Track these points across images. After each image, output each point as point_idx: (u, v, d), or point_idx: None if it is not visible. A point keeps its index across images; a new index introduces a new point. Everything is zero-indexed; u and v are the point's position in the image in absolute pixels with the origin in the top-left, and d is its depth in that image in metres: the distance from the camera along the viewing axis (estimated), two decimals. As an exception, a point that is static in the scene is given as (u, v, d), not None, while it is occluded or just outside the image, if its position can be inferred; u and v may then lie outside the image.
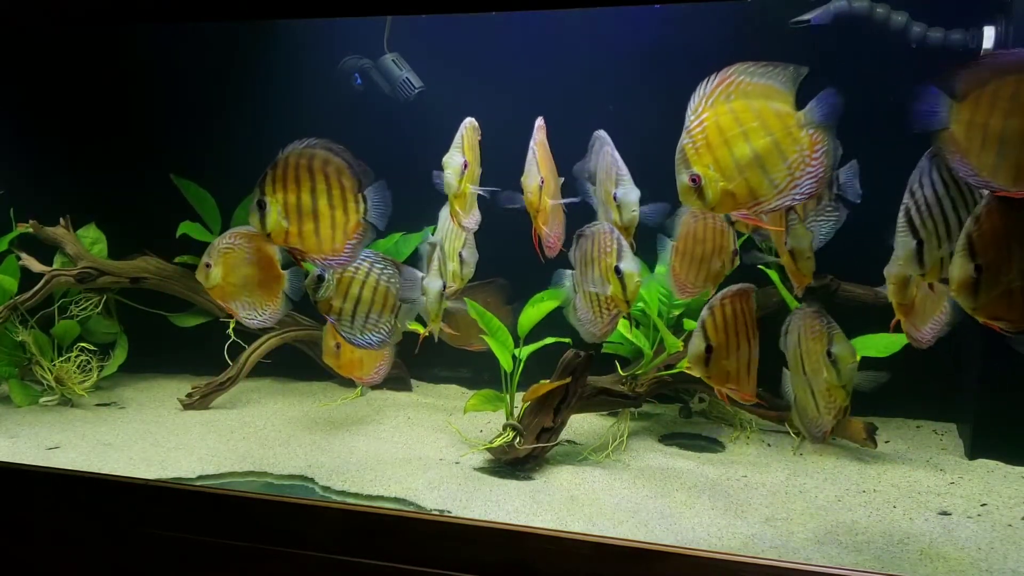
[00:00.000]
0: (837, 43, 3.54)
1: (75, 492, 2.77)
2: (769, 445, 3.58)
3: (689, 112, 2.18)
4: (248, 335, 4.23)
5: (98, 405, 4.22)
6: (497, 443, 3.32)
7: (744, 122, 2.14)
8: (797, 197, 2.17)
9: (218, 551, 2.56)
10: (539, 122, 2.89)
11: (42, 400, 4.20)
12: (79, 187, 4.51)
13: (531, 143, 2.79)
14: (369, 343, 3.02)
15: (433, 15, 4.01)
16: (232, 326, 4.21)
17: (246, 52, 4.23)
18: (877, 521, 2.81)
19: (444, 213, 3.42)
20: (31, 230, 4.26)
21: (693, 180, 2.14)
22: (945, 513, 2.87)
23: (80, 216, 4.43)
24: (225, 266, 3.13)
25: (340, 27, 4.19)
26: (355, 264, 2.95)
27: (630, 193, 2.71)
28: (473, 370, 4.42)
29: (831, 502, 2.97)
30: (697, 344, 2.48)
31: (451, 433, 3.71)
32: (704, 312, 2.48)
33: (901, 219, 2.24)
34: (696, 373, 2.55)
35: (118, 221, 4.50)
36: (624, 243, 2.70)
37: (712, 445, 3.60)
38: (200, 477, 3.25)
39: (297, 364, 4.44)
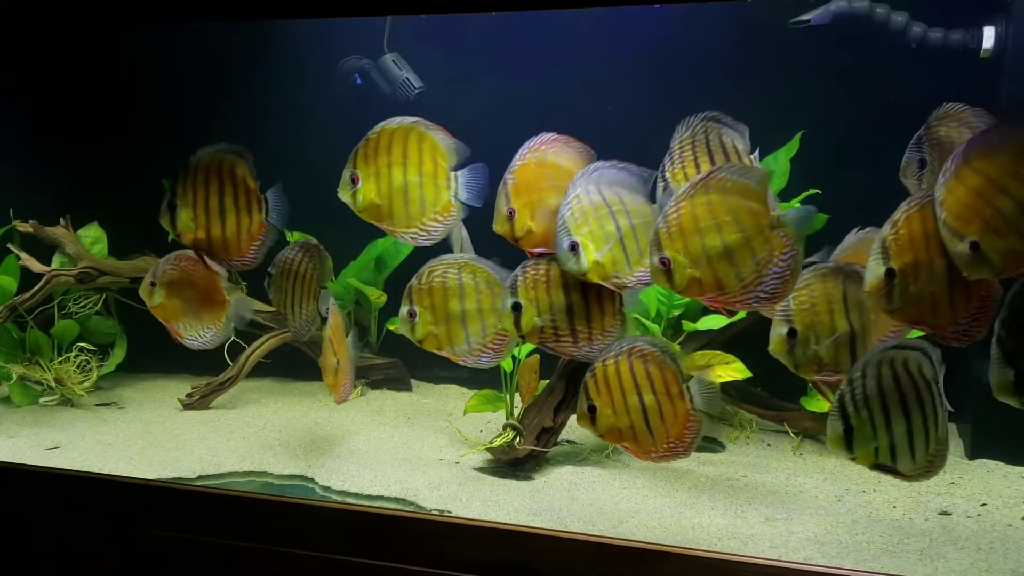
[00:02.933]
0: (837, 43, 3.55)
1: (75, 492, 2.77)
2: (769, 445, 3.58)
3: (671, 199, 2.30)
4: (248, 335, 4.23)
5: (98, 405, 4.22)
6: (497, 443, 3.33)
7: (718, 216, 2.25)
8: (761, 295, 2.28)
9: (218, 551, 2.56)
10: (532, 142, 2.70)
11: (42, 400, 4.20)
12: (79, 187, 4.51)
13: (507, 172, 2.69)
14: (303, 331, 3.09)
15: (433, 15, 4.01)
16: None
17: (246, 52, 4.23)
18: (877, 521, 2.81)
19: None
20: (31, 230, 4.27)
21: (663, 262, 2.26)
22: (945, 513, 2.87)
23: (80, 216, 4.43)
24: (169, 287, 3.15)
25: (340, 27, 4.20)
26: (289, 256, 3.06)
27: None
28: (473, 370, 4.41)
29: (831, 502, 2.97)
30: (579, 405, 2.54)
31: (451, 433, 3.71)
32: (587, 373, 2.54)
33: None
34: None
35: (118, 221, 4.50)
36: None
37: (712, 445, 3.60)
38: (200, 477, 3.25)
39: (297, 364, 4.43)
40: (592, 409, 2.50)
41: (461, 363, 2.80)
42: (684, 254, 2.24)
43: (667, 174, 2.54)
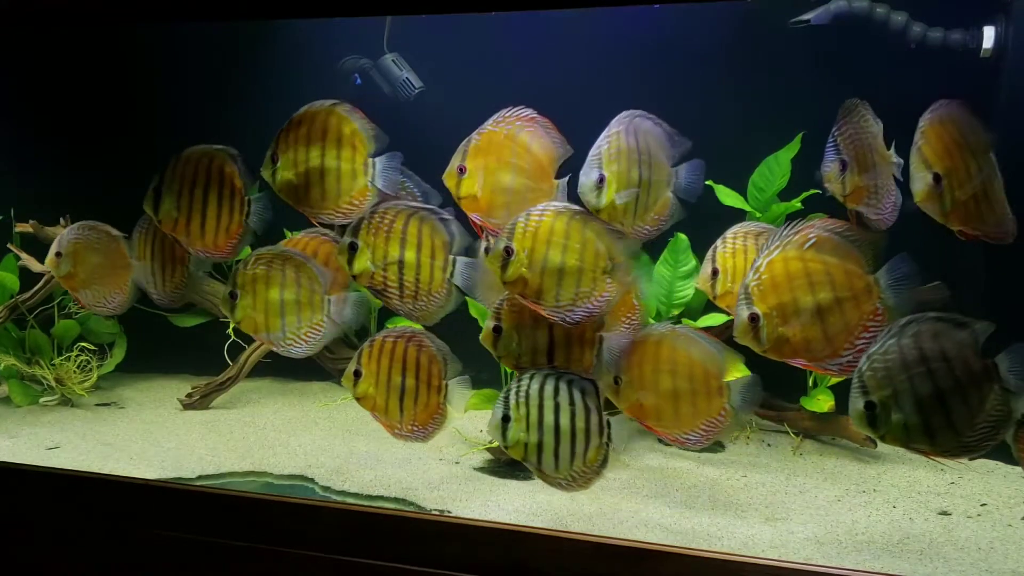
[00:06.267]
0: (837, 43, 3.55)
1: (75, 492, 2.77)
2: (769, 445, 3.58)
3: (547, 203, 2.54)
4: (248, 335, 4.23)
5: (98, 405, 4.22)
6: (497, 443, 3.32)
7: (571, 241, 2.48)
8: (568, 319, 2.51)
9: (218, 551, 2.56)
10: (509, 112, 2.72)
11: (42, 400, 4.20)
12: (79, 187, 4.51)
13: (475, 131, 2.74)
14: (172, 299, 3.14)
15: (433, 15, 4.01)
16: (232, 326, 4.21)
17: (246, 52, 4.23)
18: (877, 521, 2.81)
19: None
20: (31, 230, 4.26)
21: (507, 251, 2.47)
22: (945, 513, 2.87)
23: (80, 216, 4.41)
24: (75, 256, 3.19)
25: (340, 27, 4.19)
26: (148, 225, 3.10)
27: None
28: (473, 370, 4.41)
29: (831, 502, 2.97)
30: (348, 367, 2.77)
31: (451, 433, 3.71)
32: (366, 342, 2.77)
33: None
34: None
35: (118, 221, 4.48)
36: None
37: (712, 445, 3.59)
38: (200, 477, 3.26)
39: (297, 364, 4.40)
40: (358, 373, 2.75)
41: (275, 349, 2.94)
42: (527, 254, 2.45)
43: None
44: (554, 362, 2.64)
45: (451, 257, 2.74)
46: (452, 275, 2.74)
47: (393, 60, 4.12)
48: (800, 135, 3.52)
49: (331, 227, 2.93)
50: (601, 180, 2.53)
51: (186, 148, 2.88)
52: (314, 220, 2.82)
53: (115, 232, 3.23)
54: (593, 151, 2.59)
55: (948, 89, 2.49)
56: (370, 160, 2.76)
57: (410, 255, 2.72)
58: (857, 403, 2.21)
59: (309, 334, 2.86)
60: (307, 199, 2.77)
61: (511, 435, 2.48)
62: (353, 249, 2.73)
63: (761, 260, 2.34)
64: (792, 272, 2.31)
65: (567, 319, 2.51)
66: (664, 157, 2.64)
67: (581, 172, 2.58)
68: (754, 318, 2.32)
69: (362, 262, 2.73)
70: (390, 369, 2.74)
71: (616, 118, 2.62)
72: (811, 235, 2.32)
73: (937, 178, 2.28)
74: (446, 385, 2.77)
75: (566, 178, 2.69)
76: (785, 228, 2.35)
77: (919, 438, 2.19)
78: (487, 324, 2.68)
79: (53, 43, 4.47)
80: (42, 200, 4.36)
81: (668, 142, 2.64)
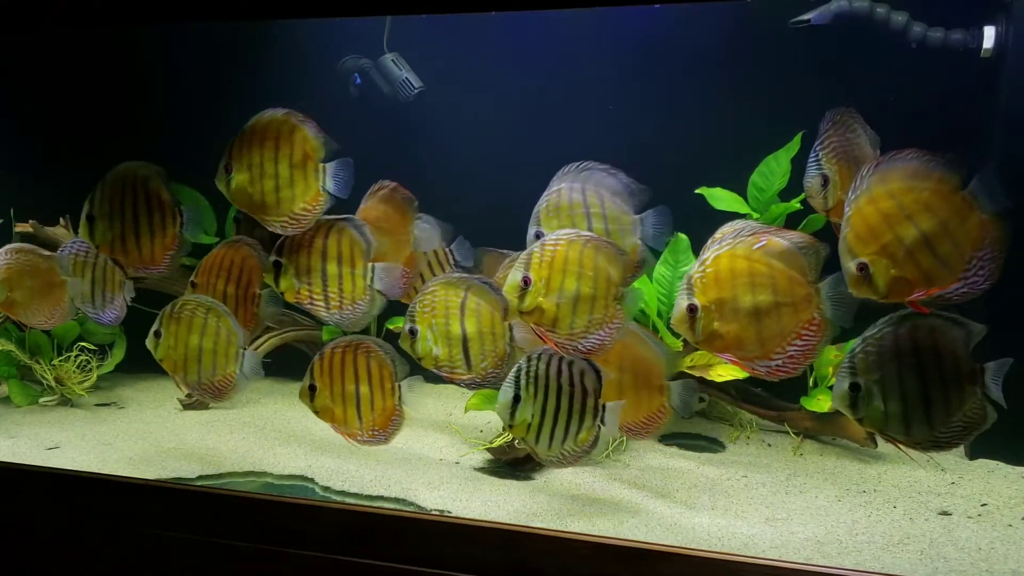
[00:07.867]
0: (837, 43, 3.55)
1: (75, 492, 2.77)
2: (769, 445, 3.58)
3: (553, 235, 2.61)
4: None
5: (98, 405, 4.22)
6: (497, 443, 3.33)
7: (584, 267, 2.55)
8: (582, 347, 2.57)
9: (218, 551, 2.56)
10: (373, 187, 3.09)
11: (42, 400, 4.20)
12: (79, 187, 4.51)
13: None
14: (110, 319, 3.27)
15: (433, 15, 4.01)
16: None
17: (246, 52, 4.23)
18: (877, 521, 2.81)
19: None
20: (31, 230, 4.26)
21: (524, 281, 2.55)
22: (945, 513, 2.87)
23: (79, 216, 4.42)
24: (11, 283, 3.31)
25: (340, 27, 4.19)
26: (85, 249, 3.26)
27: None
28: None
29: (831, 502, 2.97)
30: (303, 382, 2.88)
31: (451, 433, 3.71)
32: (316, 356, 2.89)
33: None
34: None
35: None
36: None
37: (712, 445, 3.60)
38: (200, 477, 3.25)
39: (297, 364, 4.41)
40: (312, 388, 2.86)
41: (190, 391, 3.11)
42: (544, 283, 2.52)
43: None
44: (469, 355, 2.78)
45: (368, 264, 2.89)
46: (371, 281, 2.89)
47: (393, 60, 4.12)
48: (800, 135, 3.52)
49: (276, 238, 3.02)
50: (538, 236, 2.67)
51: (110, 169, 3.02)
52: (269, 227, 2.91)
53: (44, 252, 3.38)
54: (535, 209, 2.72)
55: (948, 89, 2.49)
56: (321, 166, 2.86)
57: (331, 268, 2.89)
58: (843, 383, 2.23)
59: (222, 383, 2.99)
60: (261, 206, 2.86)
61: (520, 415, 2.56)
62: (277, 267, 2.90)
63: (709, 254, 2.37)
64: (736, 270, 2.35)
65: (579, 347, 2.57)
66: (622, 205, 2.71)
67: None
68: (692, 309, 2.36)
69: (287, 280, 2.90)
70: (343, 379, 2.84)
71: (558, 174, 2.72)
72: (763, 238, 2.36)
73: (862, 267, 2.20)
74: (399, 387, 2.87)
75: (419, 217, 3.06)
76: (743, 228, 2.38)
77: (895, 427, 2.22)
78: (403, 327, 2.81)
79: (53, 43, 4.47)
80: (42, 200, 4.36)
81: (626, 191, 2.71)
